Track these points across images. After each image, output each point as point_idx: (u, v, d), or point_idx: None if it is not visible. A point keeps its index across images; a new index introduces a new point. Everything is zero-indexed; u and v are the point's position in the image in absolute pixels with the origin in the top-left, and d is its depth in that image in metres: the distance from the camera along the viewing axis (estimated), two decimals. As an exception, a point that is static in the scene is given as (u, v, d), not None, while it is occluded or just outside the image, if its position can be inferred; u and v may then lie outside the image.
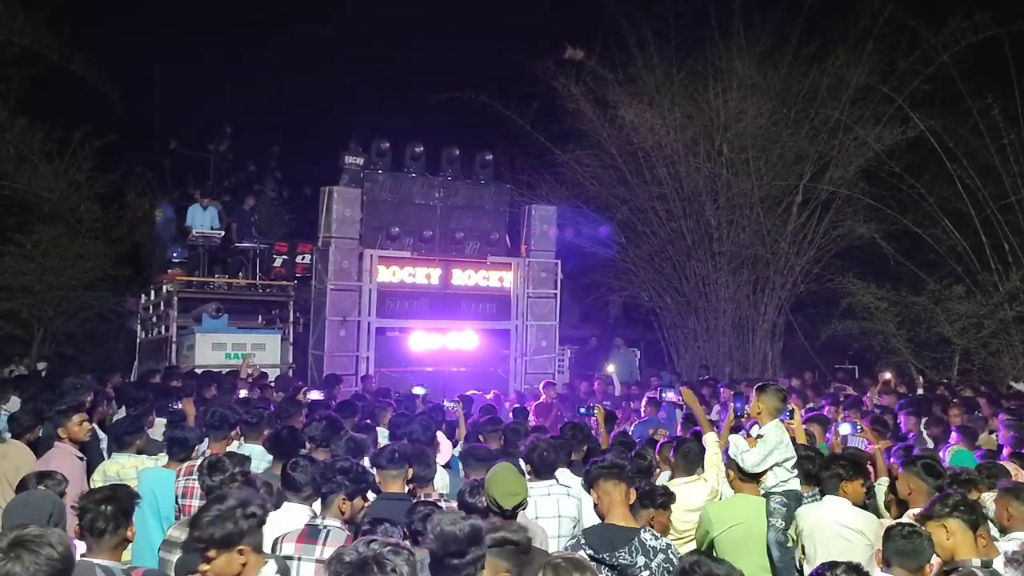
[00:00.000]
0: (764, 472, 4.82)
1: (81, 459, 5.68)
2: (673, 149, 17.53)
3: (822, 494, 4.83)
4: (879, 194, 16.76)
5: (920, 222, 16.20)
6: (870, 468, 5.40)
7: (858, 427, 6.67)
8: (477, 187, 14.55)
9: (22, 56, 15.70)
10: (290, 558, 3.81)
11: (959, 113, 15.58)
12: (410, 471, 4.73)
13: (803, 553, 4.57)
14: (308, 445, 5.72)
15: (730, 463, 4.95)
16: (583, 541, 3.83)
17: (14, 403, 8.17)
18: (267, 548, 3.84)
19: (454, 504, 4.47)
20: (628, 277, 19.12)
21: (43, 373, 13.31)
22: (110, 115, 18.19)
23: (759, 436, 4.89)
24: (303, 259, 15.14)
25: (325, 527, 3.93)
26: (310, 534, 3.90)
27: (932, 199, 15.99)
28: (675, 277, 18.45)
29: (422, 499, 4.47)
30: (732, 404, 6.05)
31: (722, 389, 11.39)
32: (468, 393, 10.34)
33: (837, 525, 4.47)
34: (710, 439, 5.44)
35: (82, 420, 5.76)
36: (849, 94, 16.81)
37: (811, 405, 9.49)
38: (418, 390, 9.77)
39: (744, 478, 4.86)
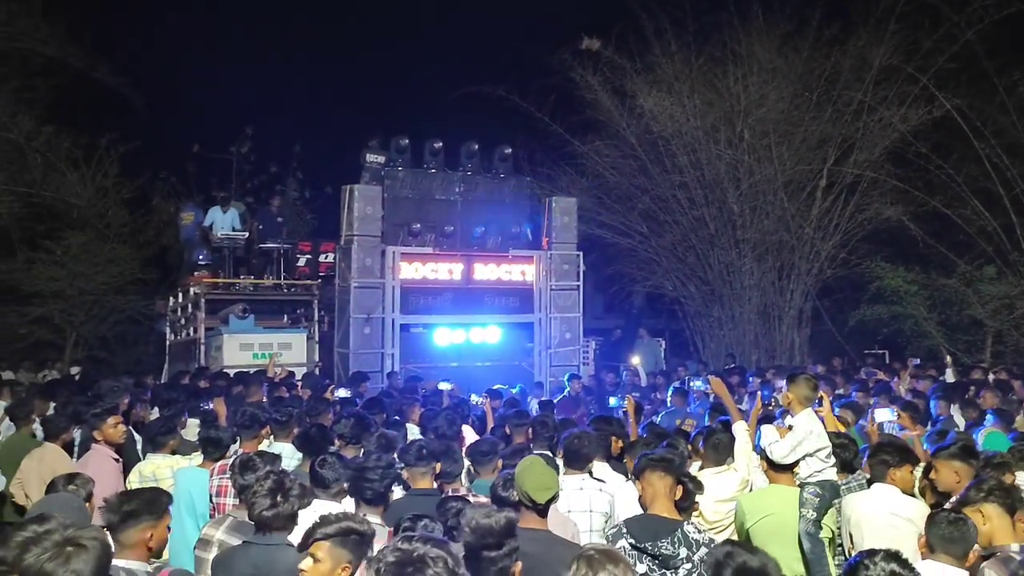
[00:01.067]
0: (797, 462, 4.78)
1: (117, 460, 5.76)
2: (693, 136, 17.40)
3: (869, 483, 4.78)
4: (906, 175, 16.54)
5: (949, 203, 15.98)
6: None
7: (895, 413, 6.59)
8: (497, 181, 14.55)
9: (47, 65, 15.93)
10: None
11: (985, 91, 15.33)
12: (438, 467, 4.76)
13: (851, 542, 4.53)
14: (337, 442, 5.76)
15: (763, 453, 4.92)
16: (625, 530, 3.84)
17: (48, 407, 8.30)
18: None
19: (482, 498, 4.49)
20: (651, 267, 19.02)
21: (76, 377, 13.50)
22: (134, 121, 18.44)
23: (791, 426, 4.85)
24: (326, 258, 15.24)
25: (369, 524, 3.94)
26: None
27: (960, 179, 15.76)
28: (699, 266, 18.33)
29: (451, 494, 4.50)
30: (759, 393, 6.02)
31: (751, 378, 11.31)
32: (495, 387, 10.37)
33: (887, 514, 4.42)
34: (740, 428, 5.40)
35: (117, 422, 5.85)
36: (872, 75, 16.59)
37: (840, 392, 9.41)
38: (444, 385, 9.81)
39: (777, 469, 4.83)
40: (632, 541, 3.71)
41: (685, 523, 3.84)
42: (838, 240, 17.50)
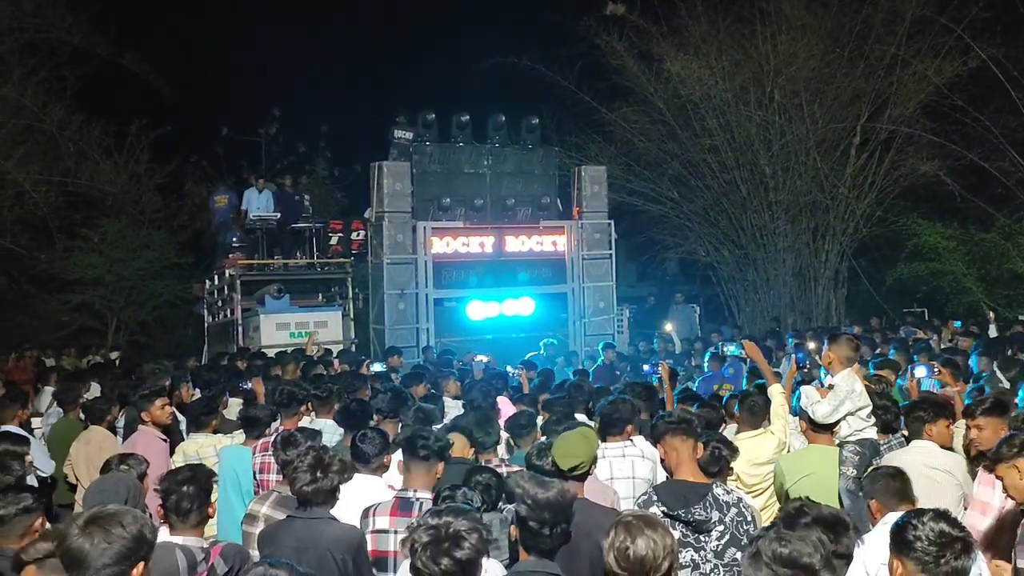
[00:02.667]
0: (837, 422, 4.75)
1: (164, 440, 5.90)
2: (722, 99, 17.16)
3: (907, 440, 4.74)
4: (942, 129, 16.21)
5: (986, 155, 15.64)
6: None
7: (935, 369, 6.50)
8: (525, 152, 14.47)
9: (74, 55, 16.11)
10: (386, 531, 3.89)
11: (1022, 40, 14.89)
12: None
13: None
14: (375, 417, 5.82)
15: (801, 414, 4.90)
16: (655, 498, 3.82)
17: (95, 390, 8.50)
18: (355, 519, 3.96)
19: (516, 468, 4.51)
20: (683, 233, 18.89)
21: (117, 361, 13.79)
22: (163, 107, 18.61)
23: (830, 386, 4.81)
24: (358, 235, 15.30)
25: (417, 499, 3.98)
26: (403, 506, 3.95)
27: (998, 131, 15.38)
28: (731, 230, 18.16)
29: (481, 465, 4.53)
30: (794, 355, 5.98)
31: (791, 341, 11.19)
32: (529, 356, 10.43)
33: (925, 468, 4.39)
34: (775, 391, 5.36)
35: (164, 404, 5.98)
36: (905, 27, 16.19)
37: (879, 351, 9.30)
38: (482, 357, 9.88)
39: (817, 429, 4.80)
40: (664, 509, 3.70)
41: (714, 485, 3.82)
42: (873, 198, 17.24)
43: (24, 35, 15.47)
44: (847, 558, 2.78)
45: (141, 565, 2.52)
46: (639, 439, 5.06)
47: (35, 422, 7.14)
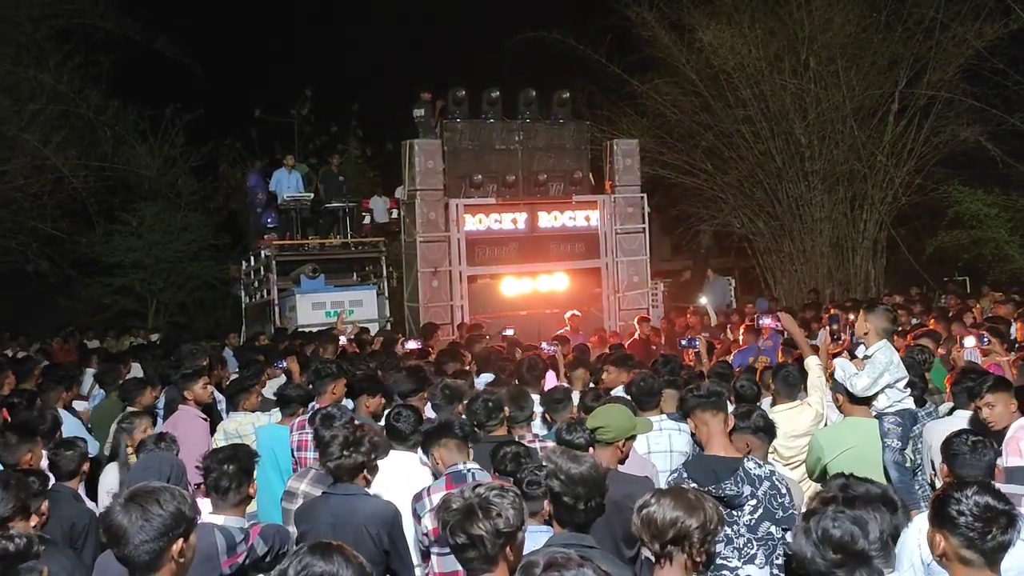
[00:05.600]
0: (876, 395, 4.69)
1: (205, 420, 5.99)
2: (756, 68, 16.87)
3: (952, 410, 4.66)
4: (982, 94, 15.81)
5: (1030, 119, 15.21)
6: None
7: (986, 340, 6.36)
8: (556, 127, 14.36)
9: (108, 40, 16.27)
10: None
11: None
12: (507, 411, 4.81)
13: (933, 469, 4.44)
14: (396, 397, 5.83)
15: (837, 387, 4.82)
16: (686, 474, 3.79)
17: (135, 370, 8.67)
18: (405, 500, 3.98)
19: (550, 444, 4.52)
20: (718, 205, 18.68)
21: (157, 342, 14.05)
22: (196, 90, 18.77)
23: (866, 357, 4.73)
24: (391, 214, 15.37)
25: (469, 470, 4.01)
26: (456, 479, 3.96)
27: (1041, 93, 14.96)
28: (766, 201, 17.91)
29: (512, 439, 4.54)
30: (828, 326, 5.91)
31: (834, 311, 11.00)
32: (560, 332, 10.41)
33: None
34: (812, 363, 5.30)
35: (206, 384, 6.07)
36: (944, -11, 15.76)
37: (918, 321, 9.15)
38: (507, 331, 9.91)
39: (853, 401, 4.72)
40: (695, 485, 3.68)
41: (745, 459, 3.77)
42: (913, 166, 16.89)
43: (59, 21, 15.65)
44: (894, 539, 2.74)
45: (180, 542, 2.56)
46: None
47: (78, 404, 7.28)
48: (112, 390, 7.46)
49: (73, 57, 15.48)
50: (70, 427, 6.01)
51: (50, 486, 4.20)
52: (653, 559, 2.75)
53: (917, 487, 4.58)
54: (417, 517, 3.92)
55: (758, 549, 3.59)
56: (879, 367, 4.62)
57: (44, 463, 4.56)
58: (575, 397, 5.64)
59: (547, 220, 13.87)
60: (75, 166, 15.56)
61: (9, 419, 5.70)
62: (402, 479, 4.25)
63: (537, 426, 5.33)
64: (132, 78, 17.13)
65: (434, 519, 3.81)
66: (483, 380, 6.75)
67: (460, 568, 3.68)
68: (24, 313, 17.05)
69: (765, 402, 5.44)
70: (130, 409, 6.05)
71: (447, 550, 3.75)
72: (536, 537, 3.09)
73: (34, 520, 3.07)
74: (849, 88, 16.62)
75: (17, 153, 14.86)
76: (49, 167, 15.22)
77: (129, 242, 18.76)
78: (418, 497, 3.99)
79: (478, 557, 2.58)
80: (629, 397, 4.99)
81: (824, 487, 2.83)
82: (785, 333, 7.76)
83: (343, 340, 9.46)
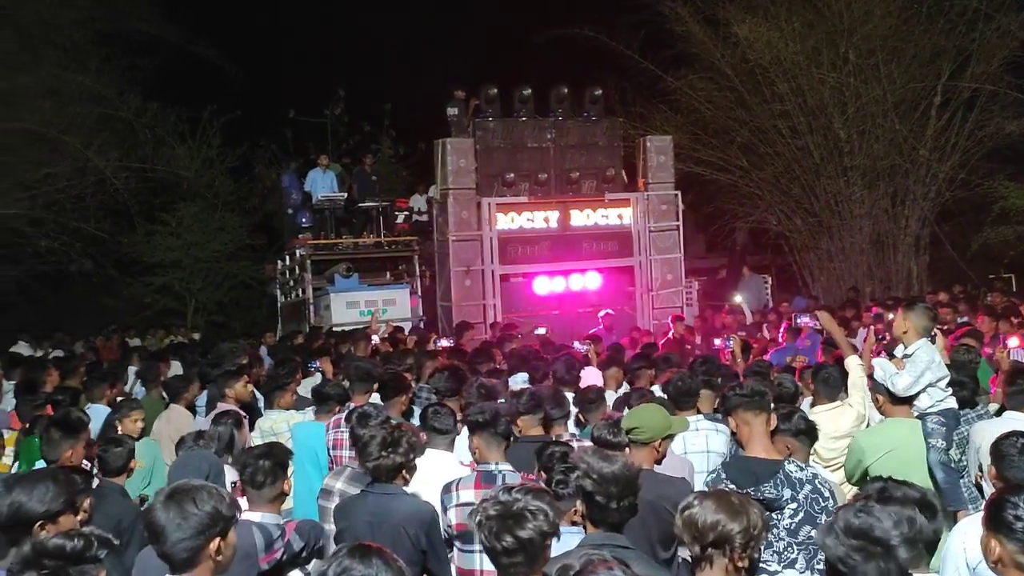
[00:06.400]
0: (917, 394, 4.58)
1: (244, 417, 6.06)
2: (793, 62, 16.61)
3: (1001, 411, 4.54)
4: (1028, 86, 15.42)
5: (1078, 111, 14.84)
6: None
7: None
8: (589, 124, 14.29)
9: (148, 44, 16.54)
10: (471, 504, 3.91)
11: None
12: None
13: (980, 471, 4.33)
14: (435, 396, 5.84)
15: (878, 387, 4.71)
16: (724, 476, 3.73)
17: (175, 368, 8.81)
18: (435, 494, 3.99)
19: (586, 443, 4.49)
20: (753, 202, 18.45)
21: (197, 340, 14.25)
22: (232, 92, 19.00)
23: (905, 356, 4.63)
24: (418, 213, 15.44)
25: (500, 471, 4.01)
26: (486, 479, 3.97)
27: (1089, 86, 14.57)
28: (804, 197, 17.65)
29: (553, 439, 4.52)
30: (873, 327, 5.80)
31: (874, 309, 10.82)
32: (593, 331, 10.37)
33: None
34: (852, 362, 5.20)
35: (246, 382, 6.16)
36: (987, -21, 15.41)
37: (965, 319, 8.95)
38: (539, 331, 9.88)
39: (894, 402, 4.61)
40: (733, 487, 3.62)
41: (786, 461, 3.68)
42: (956, 160, 16.54)
43: (100, 25, 15.94)
44: (930, 544, 2.67)
45: (217, 540, 2.59)
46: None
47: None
48: (153, 387, 7.57)
49: (114, 60, 15.77)
50: (112, 424, 6.12)
51: (97, 483, 4.28)
52: (691, 561, 2.71)
53: (964, 489, 4.47)
54: (443, 509, 3.94)
55: (799, 553, 3.52)
56: (920, 366, 4.52)
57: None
58: (609, 397, 5.62)
59: (579, 218, 13.80)
60: (116, 168, 15.86)
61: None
62: (439, 479, 4.24)
63: (569, 426, 5.30)
64: (171, 80, 17.40)
65: (460, 514, 3.83)
66: (517, 379, 6.73)
67: (478, 568, 3.74)
68: (67, 312, 17.39)
69: (804, 403, 5.35)
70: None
71: (470, 547, 3.78)
72: (568, 539, 3.07)
73: (80, 516, 3.12)
74: (890, 81, 16.32)
75: (61, 156, 15.18)
76: (91, 169, 15.53)
77: (169, 242, 19.07)
78: (447, 489, 4.01)
79: (524, 560, 2.57)
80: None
81: (862, 490, 2.77)
82: (824, 332, 7.66)
83: (375, 339, 9.52)
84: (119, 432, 5.34)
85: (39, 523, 2.92)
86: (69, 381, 7.67)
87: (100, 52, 15.72)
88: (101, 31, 15.94)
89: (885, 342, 5.35)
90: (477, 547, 3.79)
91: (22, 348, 12.56)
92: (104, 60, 15.64)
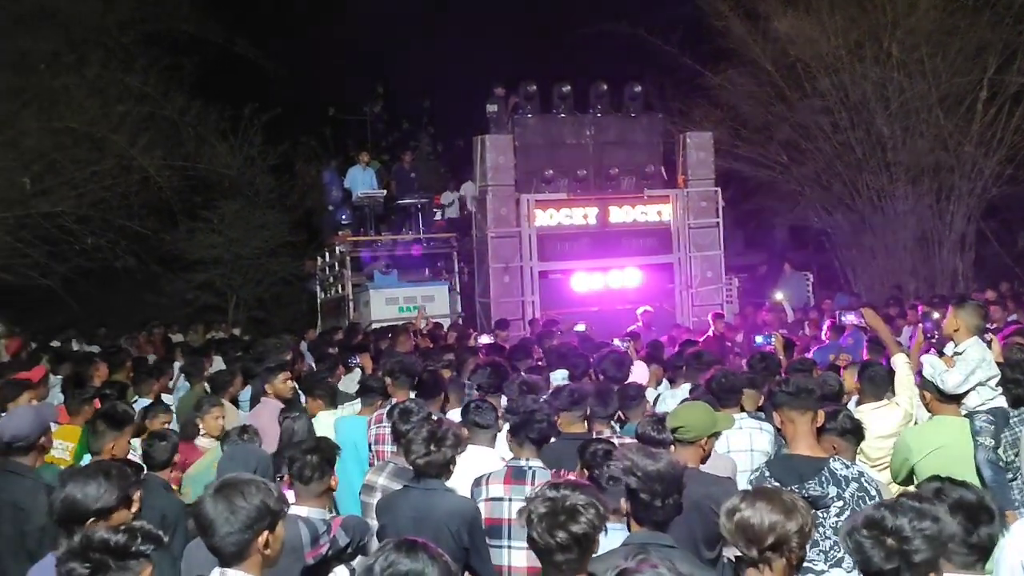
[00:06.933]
0: (966, 393, 4.51)
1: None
2: (835, 57, 16.36)
3: None
4: (1078, 79, 15.02)
5: None
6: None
7: None
8: (628, 120, 14.22)
9: (191, 43, 16.79)
10: (500, 499, 3.94)
11: None
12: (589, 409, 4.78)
13: None
14: (476, 392, 5.86)
15: (926, 384, 4.65)
16: (767, 473, 3.71)
17: (217, 363, 8.93)
18: (468, 488, 4.02)
19: (627, 439, 4.47)
20: (794, 198, 18.22)
21: (239, 336, 14.44)
22: (273, 90, 19.21)
23: (955, 354, 4.56)
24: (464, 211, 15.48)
25: (530, 467, 4.03)
26: (516, 475, 3.99)
27: None
28: (846, 193, 17.38)
29: (596, 436, 4.51)
30: (922, 325, 5.71)
31: (920, 307, 10.62)
32: (632, 328, 10.32)
33: None
34: (899, 361, 5.12)
35: (286, 378, 6.22)
36: (1036, -30, 15.03)
37: (1014, 317, 8.75)
38: (579, 327, 9.85)
39: (942, 400, 4.55)
40: (777, 485, 3.58)
41: (831, 459, 3.65)
42: (1003, 155, 16.19)
43: (145, 26, 16.22)
44: (983, 550, 2.61)
45: (266, 534, 2.62)
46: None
47: (164, 396, 7.54)
48: (196, 382, 7.69)
49: (159, 60, 16.01)
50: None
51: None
52: (738, 562, 2.68)
53: (1017, 491, 4.38)
54: None
55: (845, 552, 3.48)
56: (971, 363, 4.47)
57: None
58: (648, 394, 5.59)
59: (618, 215, 13.74)
60: (160, 166, 16.09)
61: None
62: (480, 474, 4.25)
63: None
64: (214, 79, 17.63)
65: (489, 508, 3.85)
66: (558, 376, 6.72)
67: (506, 563, 3.78)
68: (112, 308, 17.72)
69: (851, 401, 5.28)
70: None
71: (498, 542, 3.83)
72: (612, 535, 3.06)
73: (134, 508, 3.18)
74: (935, 75, 16.00)
75: (106, 154, 15.45)
76: (136, 167, 15.78)
77: (210, 239, 19.35)
78: (476, 483, 4.04)
79: (577, 556, 2.59)
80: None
81: (919, 489, 2.72)
82: (868, 330, 7.55)
83: (415, 335, 9.58)
84: (201, 430, 5.43)
85: (92, 519, 2.98)
86: (116, 376, 7.82)
87: (146, 52, 15.99)
88: (147, 32, 16.22)
89: (934, 340, 5.24)
90: (505, 542, 3.83)
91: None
92: (150, 60, 15.90)
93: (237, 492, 2.61)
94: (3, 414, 5.28)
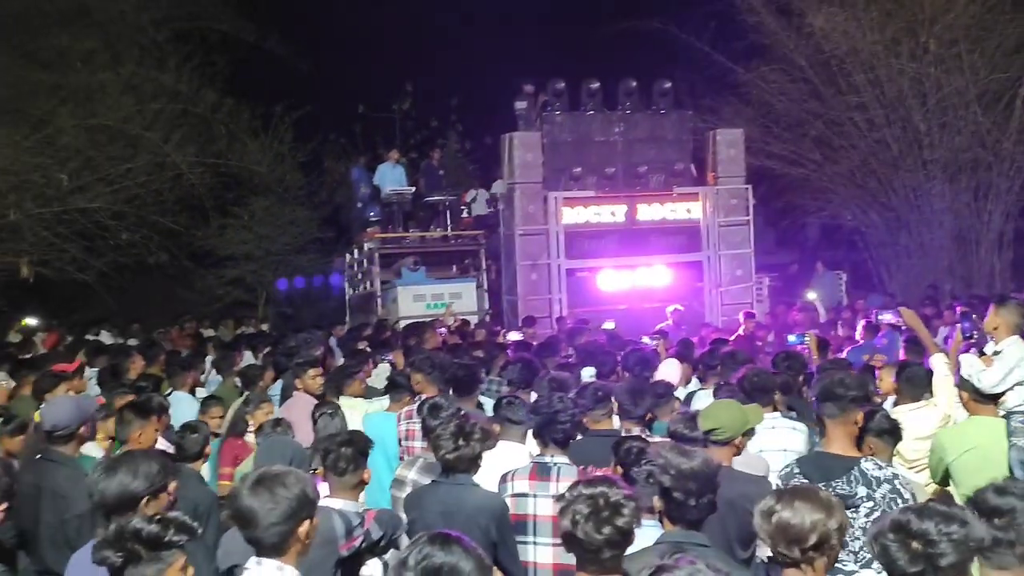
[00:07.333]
0: (1003, 393, 4.42)
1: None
2: (871, 52, 16.12)
3: None
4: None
5: None
6: None
7: None
8: (657, 117, 14.13)
9: (223, 41, 16.95)
10: (525, 495, 3.93)
11: None
12: (615, 406, 4.75)
13: None
14: (507, 388, 5.86)
15: (963, 384, 4.57)
16: (797, 471, 3.68)
17: (247, 358, 9.02)
18: (493, 484, 4.01)
19: (657, 438, 4.44)
20: (826, 196, 17.99)
21: (269, 332, 14.56)
22: (303, 87, 19.35)
23: (995, 353, 4.48)
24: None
25: (555, 464, 4.01)
26: (541, 471, 3.98)
27: None
28: (880, 191, 17.12)
29: (626, 434, 4.47)
30: (960, 324, 5.61)
31: (957, 308, 10.43)
32: (660, 326, 10.25)
33: None
34: (938, 361, 5.03)
35: (316, 374, 6.24)
36: (1079, -37, 14.70)
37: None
38: (608, 325, 9.81)
39: (980, 399, 4.49)
40: (805, 482, 3.54)
41: (863, 459, 3.59)
42: (1043, 153, 15.85)
43: (178, 24, 16.40)
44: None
45: (307, 523, 2.65)
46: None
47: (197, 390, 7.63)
48: (228, 376, 7.77)
49: (191, 58, 16.17)
50: (192, 410, 6.31)
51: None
52: (778, 562, 2.64)
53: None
54: None
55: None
56: (1010, 363, 4.43)
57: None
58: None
59: (647, 213, 13.65)
60: (193, 163, 16.27)
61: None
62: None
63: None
64: (245, 76, 17.79)
65: (514, 504, 3.84)
66: (586, 374, 6.69)
67: (532, 560, 3.80)
68: (145, 303, 17.98)
69: (888, 401, 5.19)
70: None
71: (523, 538, 3.82)
72: (646, 532, 3.03)
73: (168, 499, 3.21)
74: (973, 72, 15.72)
75: (140, 151, 15.65)
76: (169, 164, 15.97)
77: (241, 235, 19.57)
78: (503, 479, 4.04)
79: (618, 553, 2.60)
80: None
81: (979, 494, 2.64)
82: (903, 330, 7.43)
83: (443, 331, 9.58)
84: (251, 425, 5.49)
85: (133, 507, 3.01)
86: (151, 369, 7.92)
87: (179, 50, 16.17)
88: (180, 30, 16.40)
89: (973, 340, 5.15)
90: (530, 538, 3.85)
91: (104, 337, 13.02)
92: (183, 58, 16.07)
93: (279, 483, 2.63)
94: (41, 405, 5.36)
